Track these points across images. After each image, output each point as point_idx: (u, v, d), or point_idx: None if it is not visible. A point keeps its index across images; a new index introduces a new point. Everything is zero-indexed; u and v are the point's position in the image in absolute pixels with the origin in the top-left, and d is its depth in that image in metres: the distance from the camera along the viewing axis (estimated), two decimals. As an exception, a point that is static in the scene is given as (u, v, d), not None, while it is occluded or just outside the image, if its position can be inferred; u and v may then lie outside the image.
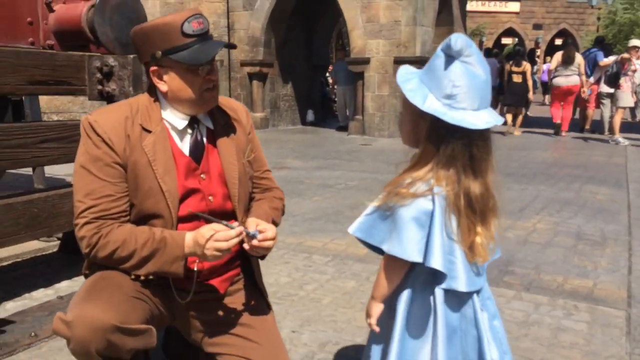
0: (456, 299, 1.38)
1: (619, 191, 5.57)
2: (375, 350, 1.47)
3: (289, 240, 3.78)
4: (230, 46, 1.82)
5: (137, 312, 1.57)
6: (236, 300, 1.83)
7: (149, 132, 1.64)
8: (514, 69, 10.67)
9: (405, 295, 1.39)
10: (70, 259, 3.29)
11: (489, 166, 1.34)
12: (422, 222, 1.32)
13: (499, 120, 1.31)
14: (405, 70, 1.38)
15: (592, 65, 10.52)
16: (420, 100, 1.30)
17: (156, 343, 1.59)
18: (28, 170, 5.43)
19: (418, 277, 1.39)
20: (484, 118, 1.29)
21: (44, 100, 8.06)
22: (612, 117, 10.01)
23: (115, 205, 1.60)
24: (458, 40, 1.28)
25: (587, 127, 11.02)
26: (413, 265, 1.37)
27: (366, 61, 10.33)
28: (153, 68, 1.63)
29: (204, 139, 1.74)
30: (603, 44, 11.12)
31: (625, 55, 9.78)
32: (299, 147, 9.03)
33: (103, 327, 1.44)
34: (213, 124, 1.76)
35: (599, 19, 26.53)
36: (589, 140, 10.09)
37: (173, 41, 1.58)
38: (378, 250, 1.42)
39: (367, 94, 10.47)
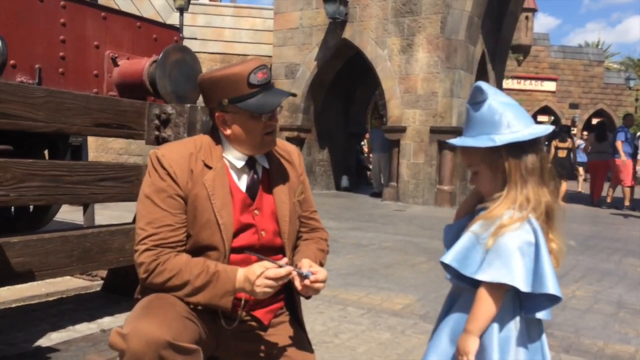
0: (526, 326, 1.44)
1: (661, 265, 5.43)
2: None
3: (324, 292, 3.77)
4: (291, 95, 1.93)
5: (188, 332, 1.62)
6: (279, 332, 1.88)
7: (210, 168, 1.75)
8: (560, 144, 11.19)
9: (495, 326, 1.42)
10: (112, 298, 3.39)
11: (550, 176, 1.48)
12: (524, 252, 1.39)
13: (551, 127, 1.49)
14: (459, 140, 1.51)
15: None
16: (490, 141, 1.44)
17: None
18: (74, 218, 5.67)
19: (502, 307, 1.43)
20: (541, 127, 1.46)
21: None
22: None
23: (173, 234, 1.69)
24: (482, 85, 1.48)
25: (627, 203, 10.91)
26: None
27: (403, 129, 10.56)
28: (218, 114, 1.76)
29: (260, 178, 1.85)
30: (628, 121, 11.34)
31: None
32: (334, 209, 9.13)
33: (157, 342, 1.49)
34: (269, 164, 1.87)
35: (637, 99, 26.54)
36: (629, 216, 9.90)
37: (239, 90, 1.71)
38: (467, 280, 1.45)
39: (402, 162, 10.62)
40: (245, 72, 1.70)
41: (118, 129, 2.93)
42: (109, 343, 1.55)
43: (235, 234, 1.74)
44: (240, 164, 1.79)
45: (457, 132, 9.25)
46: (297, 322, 1.95)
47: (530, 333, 1.45)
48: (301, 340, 1.90)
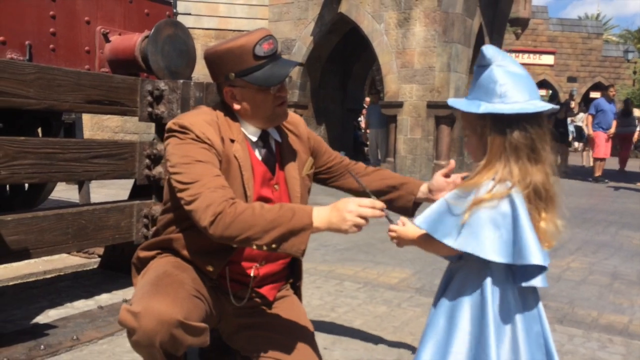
0: (522, 296, 1.43)
1: (657, 237, 5.46)
2: (437, 352, 1.49)
3: (321, 267, 3.83)
4: (299, 64, 1.87)
5: (198, 311, 1.61)
6: (279, 305, 1.90)
7: (233, 141, 1.71)
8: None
9: (490, 297, 1.42)
10: (109, 275, 3.40)
11: (547, 155, 1.42)
12: (498, 223, 1.36)
13: (548, 106, 1.39)
14: (452, 100, 1.51)
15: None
16: (476, 107, 1.42)
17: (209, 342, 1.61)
18: (70, 197, 5.66)
19: (494, 277, 1.43)
20: (537, 104, 1.38)
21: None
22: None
23: (227, 184, 1.60)
24: (488, 49, 1.44)
25: (598, 174, 11.17)
26: (488, 267, 1.42)
27: (399, 105, 10.50)
28: (226, 89, 1.72)
29: (274, 151, 1.83)
30: (604, 94, 11.62)
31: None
32: (331, 186, 9.11)
33: (169, 321, 1.47)
34: (280, 137, 1.85)
35: (635, 72, 26.37)
36: (620, 189, 9.95)
37: (245, 63, 1.66)
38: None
39: (399, 137, 10.59)
40: (251, 43, 1.66)
41: (110, 105, 2.90)
42: (118, 320, 1.53)
43: None
44: (254, 137, 1.77)
45: (454, 106, 9.20)
46: (296, 295, 1.98)
47: (527, 302, 1.44)
48: (300, 313, 1.92)
